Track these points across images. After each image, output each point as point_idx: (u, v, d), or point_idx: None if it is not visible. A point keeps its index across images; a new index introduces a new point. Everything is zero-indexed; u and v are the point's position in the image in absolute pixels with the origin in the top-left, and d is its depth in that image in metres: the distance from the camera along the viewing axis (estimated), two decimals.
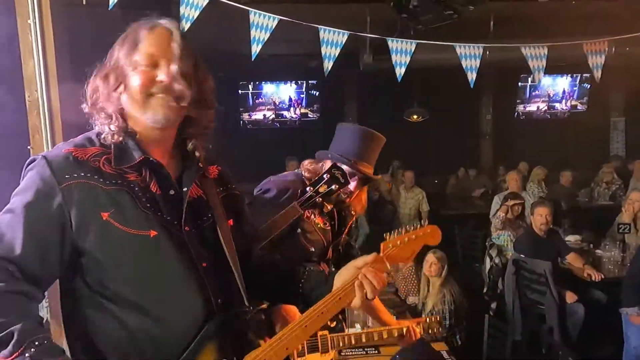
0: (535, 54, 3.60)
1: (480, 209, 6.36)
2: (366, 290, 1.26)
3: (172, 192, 1.25)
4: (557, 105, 8.65)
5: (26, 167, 1.21)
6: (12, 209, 1.15)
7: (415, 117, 8.84)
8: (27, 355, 1.01)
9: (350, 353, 3.03)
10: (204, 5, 2.85)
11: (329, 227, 2.33)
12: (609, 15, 4.55)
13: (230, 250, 1.31)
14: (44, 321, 2.01)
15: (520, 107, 8.62)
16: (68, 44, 2.41)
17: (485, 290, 5.03)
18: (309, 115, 8.15)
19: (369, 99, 7.26)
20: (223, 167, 1.45)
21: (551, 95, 8.59)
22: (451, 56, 3.59)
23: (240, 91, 7.81)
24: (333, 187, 2.01)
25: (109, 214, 1.15)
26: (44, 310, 2.03)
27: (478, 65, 3.50)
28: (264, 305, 1.97)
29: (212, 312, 1.24)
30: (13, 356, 1.01)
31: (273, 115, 8.06)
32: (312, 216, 2.24)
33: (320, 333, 2.24)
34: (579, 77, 8.42)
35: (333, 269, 2.35)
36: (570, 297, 4.17)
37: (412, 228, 1.35)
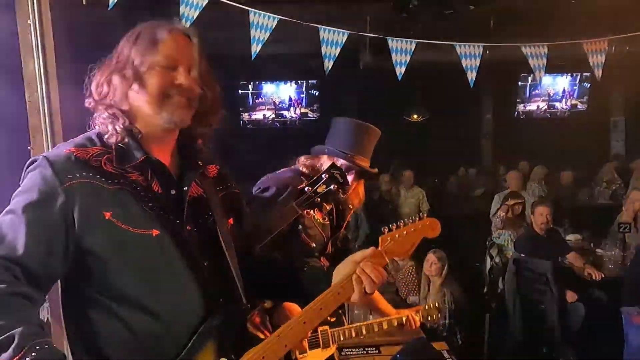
0: (535, 53, 3.60)
1: (480, 208, 6.35)
2: (364, 285, 1.26)
3: (173, 191, 1.26)
4: (557, 104, 8.65)
5: (27, 168, 1.21)
6: (14, 209, 1.15)
7: (415, 116, 8.84)
8: (27, 359, 1.01)
9: (351, 353, 3.03)
10: (203, 5, 2.85)
11: (328, 222, 2.33)
12: (610, 14, 4.56)
13: (229, 249, 1.31)
14: (45, 322, 2.01)
15: (520, 107, 8.62)
16: (68, 44, 2.40)
17: (485, 289, 5.03)
18: (309, 115, 8.15)
19: (369, 99, 7.26)
20: (222, 167, 1.45)
21: (551, 95, 8.59)
22: (451, 55, 3.59)
23: (240, 91, 7.81)
24: (332, 187, 2.01)
25: (112, 213, 1.16)
26: (44, 311, 2.04)
27: (478, 65, 3.49)
28: (266, 304, 1.97)
29: (214, 310, 1.25)
30: None
31: (273, 115, 8.06)
32: (312, 212, 2.24)
33: (320, 328, 2.24)
34: (579, 76, 8.41)
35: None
36: (570, 296, 4.17)
37: (410, 221, 1.33)
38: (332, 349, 2.33)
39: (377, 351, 3.11)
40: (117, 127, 1.21)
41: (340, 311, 2.35)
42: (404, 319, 2.42)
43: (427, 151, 8.01)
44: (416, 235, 1.33)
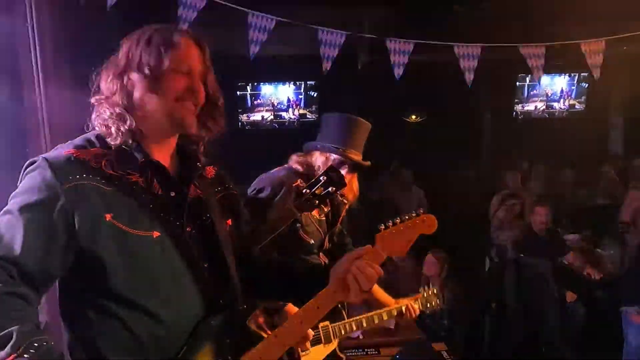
0: (533, 54, 3.60)
1: (479, 208, 6.35)
2: (360, 284, 1.25)
3: (172, 193, 1.26)
4: (555, 104, 8.64)
5: (25, 169, 1.21)
6: (11, 210, 1.14)
7: (413, 117, 8.84)
8: (25, 356, 1.01)
9: (351, 354, 3.03)
10: (201, 7, 2.85)
11: (324, 218, 2.34)
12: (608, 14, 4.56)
13: (228, 250, 1.31)
14: (44, 324, 2.00)
15: (519, 107, 8.62)
16: (66, 45, 2.40)
17: (485, 290, 5.03)
18: (308, 116, 8.14)
19: (367, 99, 7.24)
20: (219, 168, 1.45)
21: (549, 95, 8.59)
22: (450, 56, 3.59)
23: (238, 92, 7.81)
24: (330, 189, 2.01)
25: (112, 215, 1.16)
26: (42, 313, 2.03)
27: (476, 65, 3.50)
28: (269, 305, 1.97)
29: (214, 312, 1.25)
30: (10, 357, 1.01)
31: (272, 117, 8.05)
32: None
33: (321, 324, 2.24)
34: (577, 76, 8.42)
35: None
36: (570, 296, 4.17)
37: (406, 218, 1.32)
38: (334, 344, 2.34)
39: (376, 352, 3.12)
40: (122, 128, 1.20)
41: (339, 305, 2.36)
42: (403, 308, 2.42)
43: (426, 151, 8.00)
44: (413, 232, 1.32)
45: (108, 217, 1.15)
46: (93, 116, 1.26)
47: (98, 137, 1.25)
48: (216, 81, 1.32)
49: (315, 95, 8.05)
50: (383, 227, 1.31)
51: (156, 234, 1.19)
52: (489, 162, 8.86)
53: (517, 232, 4.92)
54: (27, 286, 1.11)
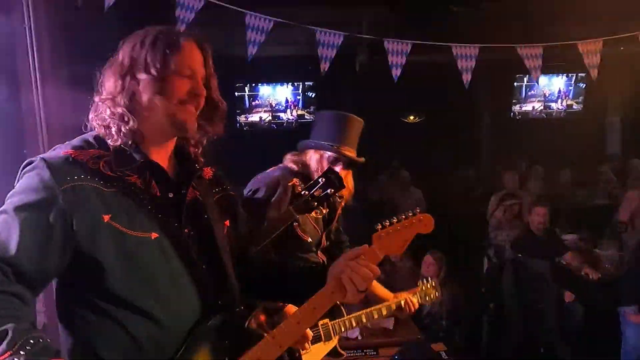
0: (531, 54, 3.61)
1: (478, 208, 6.35)
2: (356, 284, 1.25)
3: (171, 194, 1.26)
4: (552, 105, 8.65)
5: (23, 169, 1.20)
6: (7, 210, 1.14)
7: (412, 117, 8.85)
8: (22, 353, 1.01)
9: (350, 355, 3.03)
10: (199, 8, 2.85)
11: (320, 216, 2.34)
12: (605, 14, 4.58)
13: (225, 252, 1.31)
14: (42, 326, 2.00)
15: (516, 107, 8.63)
16: (64, 46, 2.40)
17: (483, 290, 5.04)
18: (306, 116, 8.14)
19: (365, 100, 7.25)
20: (217, 169, 1.45)
21: (547, 95, 8.60)
22: (448, 56, 3.60)
23: (236, 93, 7.80)
24: (328, 191, 2.02)
25: (110, 216, 1.16)
26: (40, 316, 2.03)
27: (473, 66, 3.50)
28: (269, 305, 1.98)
29: (212, 313, 1.25)
30: (7, 354, 1.01)
31: (270, 117, 8.05)
32: None
33: (320, 322, 2.24)
34: (574, 77, 8.43)
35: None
36: (568, 296, 4.17)
37: (403, 217, 1.32)
38: (335, 341, 2.34)
39: (374, 353, 3.12)
40: (122, 129, 1.20)
41: (338, 302, 2.36)
42: (402, 302, 2.42)
43: (424, 152, 8.01)
44: (409, 232, 1.32)
45: (106, 218, 1.15)
46: (91, 116, 1.26)
47: (96, 138, 1.25)
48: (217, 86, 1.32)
49: (313, 96, 8.05)
50: (380, 226, 1.31)
51: (154, 235, 1.19)
52: (487, 163, 8.86)
53: (515, 232, 4.92)
54: (22, 285, 1.11)
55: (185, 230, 1.25)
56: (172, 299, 1.20)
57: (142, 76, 1.20)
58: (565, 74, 8.39)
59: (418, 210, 1.34)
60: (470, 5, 5.30)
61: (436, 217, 1.37)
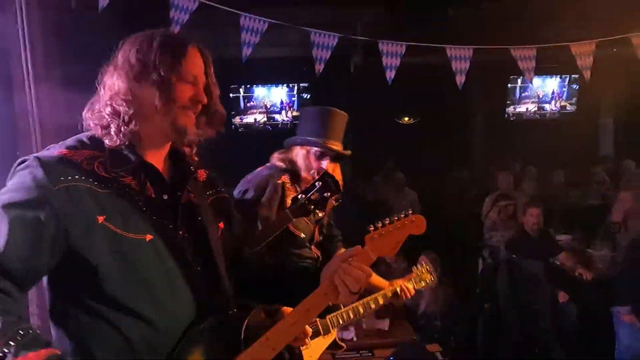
0: (524, 56, 3.63)
1: (472, 209, 6.38)
2: (348, 286, 1.25)
3: (165, 196, 1.26)
4: (546, 106, 8.70)
5: (16, 167, 1.19)
6: None
7: (406, 119, 8.87)
8: (11, 344, 1.00)
9: (345, 356, 3.03)
10: (193, 9, 2.85)
11: (317, 218, 2.35)
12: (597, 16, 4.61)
13: (219, 254, 1.31)
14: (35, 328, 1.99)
15: (510, 108, 8.67)
16: (57, 47, 2.39)
17: (478, 291, 5.05)
18: None
19: (360, 101, 7.26)
20: (212, 171, 1.45)
21: (540, 96, 8.65)
22: (442, 58, 3.61)
23: (231, 94, 7.79)
24: (325, 194, 2.03)
25: (105, 217, 1.15)
26: (33, 317, 2.01)
27: (468, 67, 3.52)
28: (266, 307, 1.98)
29: (206, 315, 1.25)
30: None
31: (265, 119, 8.04)
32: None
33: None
34: (567, 78, 8.48)
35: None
36: (562, 296, 4.19)
37: (395, 219, 1.32)
38: (334, 334, 2.36)
39: (370, 354, 3.12)
40: (122, 129, 1.19)
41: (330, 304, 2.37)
42: (398, 289, 2.43)
43: (419, 153, 8.03)
44: (402, 233, 1.33)
45: (100, 219, 1.14)
46: (87, 115, 1.25)
47: (90, 138, 1.24)
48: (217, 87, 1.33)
49: (308, 97, 8.05)
50: (372, 228, 1.31)
51: (149, 237, 1.19)
52: (482, 164, 8.89)
53: (509, 233, 4.94)
54: (10, 283, 1.10)
55: (180, 232, 1.25)
56: (167, 301, 1.20)
57: (147, 79, 1.19)
58: (558, 76, 8.44)
59: (410, 212, 1.34)
60: (470, 5, 5.32)
61: (431, 218, 1.37)
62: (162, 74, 1.19)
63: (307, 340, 2.19)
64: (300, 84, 7.93)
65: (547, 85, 8.61)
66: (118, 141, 1.20)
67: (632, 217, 4.65)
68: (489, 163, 8.17)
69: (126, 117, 1.19)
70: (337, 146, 2.31)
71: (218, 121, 1.34)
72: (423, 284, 2.52)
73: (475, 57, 3.55)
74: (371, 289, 2.43)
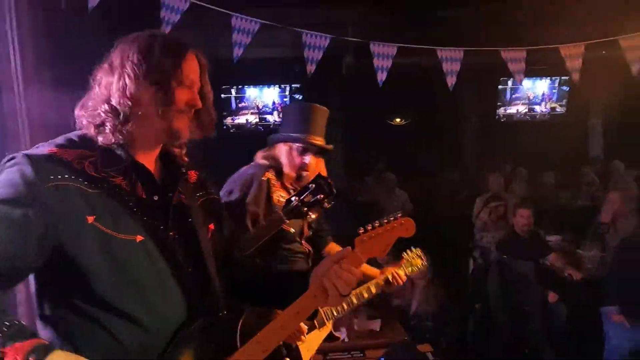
0: (514, 58, 3.65)
1: (463, 210, 6.42)
2: (338, 288, 1.26)
3: (156, 197, 1.25)
4: (536, 107, 8.77)
5: (4, 164, 1.16)
6: None
7: (398, 120, 8.90)
8: None
9: (336, 357, 3.03)
10: (184, 9, 2.84)
11: (311, 220, 2.36)
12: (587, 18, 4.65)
13: (210, 255, 1.31)
14: None
15: (501, 110, 8.72)
16: (47, 47, 2.37)
17: (469, 291, 5.07)
18: None
19: (352, 102, 7.28)
20: (201, 172, 1.45)
21: (531, 98, 8.71)
22: (434, 60, 3.63)
23: (222, 95, 7.77)
24: (318, 197, 2.04)
25: (95, 217, 1.14)
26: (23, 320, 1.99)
27: (459, 69, 3.54)
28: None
29: (196, 316, 1.24)
30: None
31: (257, 119, 8.03)
32: (282, 199, 2.31)
33: None
34: (557, 80, 8.55)
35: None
36: (552, 297, 4.22)
37: (385, 221, 1.34)
38: (329, 326, 2.37)
39: (361, 354, 3.12)
40: (119, 127, 1.18)
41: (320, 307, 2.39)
42: (389, 277, 2.44)
43: (410, 154, 8.06)
44: (391, 236, 1.34)
45: (90, 219, 1.13)
46: (79, 113, 1.23)
47: (81, 137, 1.23)
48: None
49: (300, 98, 8.05)
50: (362, 230, 1.32)
51: (140, 238, 1.18)
52: (473, 165, 8.94)
53: (500, 234, 4.97)
54: None
55: (171, 234, 1.24)
56: (157, 302, 1.19)
57: (147, 81, 1.19)
58: (549, 77, 8.50)
59: (400, 215, 1.35)
60: (461, 7, 5.35)
61: (422, 219, 1.38)
62: (163, 76, 1.19)
63: (302, 337, 2.21)
64: (292, 85, 7.92)
65: (538, 87, 8.68)
66: (113, 139, 1.19)
67: (621, 217, 4.70)
68: (480, 164, 8.22)
69: (124, 116, 1.18)
70: (319, 141, 2.34)
71: (209, 126, 1.34)
72: (414, 269, 2.53)
73: (466, 58, 3.57)
74: (363, 278, 2.44)
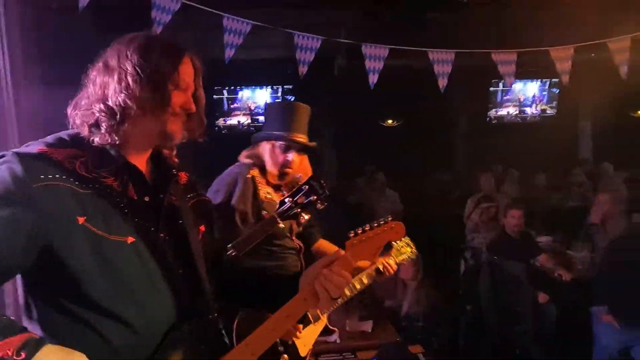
0: (504, 60, 3.68)
1: (455, 211, 6.45)
2: (329, 292, 1.26)
3: (146, 198, 1.24)
4: (527, 109, 8.84)
5: None
6: None
7: (390, 121, 8.93)
8: None
9: (328, 358, 3.03)
10: (176, 10, 2.83)
11: (304, 221, 2.37)
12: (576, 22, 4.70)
13: (200, 257, 1.31)
14: None
15: (492, 112, 8.78)
16: (36, 47, 2.35)
17: (460, 292, 5.09)
18: None
19: (344, 104, 7.30)
20: (191, 174, 1.45)
21: (522, 100, 8.78)
22: (426, 61, 3.64)
23: (214, 96, 7.75)
24: (312, 198, 2.05)
25: (86, 218, 1.12)
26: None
27: (450, 71, 3.56)
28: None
29: (186, 318, 1.24)
30: None
31: (249, 121, 8.01)
32: (269, 195, 2.33)
33: None
34: (548, 82, 8.62)
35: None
36: (542, 297, 4.25)
37: (375, 225, 1.35)
38: (324, 320, 2.38)
39: (353, 356, 3.12)
40: (115, 127, 1.17)
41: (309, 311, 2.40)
42: (380, 267, 2.44)
43: (402, 155, 8.08)
44: (381, 239, 1.35)
45: (81, 220, 1.12)
46: (72, 112, 1.22)
47: (72, 136, 1.22)
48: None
49: (292, 99, 8.05)
50: (353, 234, 1.33)
51: (131, 239, 1.17)
52: (464, 166, 8.99)
53: (491, 235, 5.00)
54: None
55: (162, 235, 1.24)
56: (148, 304, 1.19)
57: (145, 82, 1.18)
58: (539, 80, 8.58)
59: (390, 218, 1.37)
60: (452, 10, 5.37)
61: (414, 220, 1.39)
62: (160, 78, 1.19)
63: (297, 333, 2.22)
64: (284, 86, 7.92)
65: (528, 89, 8.75)
66: (109, 140, 1.18)
67: (610, 219, 4.74)
68: (472, 166, 8.26)
69: (120, 116, 1.17)
70: (302, 138, 2.36)
71: (200, 130, 1.34)
72: (404, 257, 2.53)
73: (458, 60, 3.59)
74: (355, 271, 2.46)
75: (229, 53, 3.12)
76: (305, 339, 2.28)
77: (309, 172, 2.47)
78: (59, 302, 1.15)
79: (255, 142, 2.43)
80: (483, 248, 5.02)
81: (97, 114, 1.18)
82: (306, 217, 2.34)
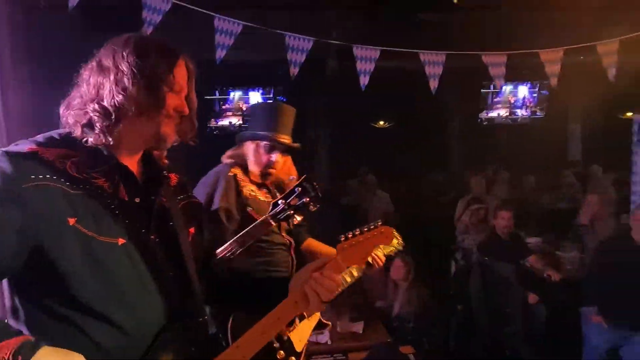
0: (495, 62, 3.70)
1: (446, 212, 6.48)
2: (320, 295, 1.27)
3: (137, 199, 1.23)
4: (518, 111, 8.91)
5: None
6: None
7: (381, 123, 8.97)
8: None
9: (319, 359, 3.03)
10: (167, 10, 2.82)
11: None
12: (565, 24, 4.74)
13: (190, 259, 1.30)
14: None
15: (483, 113, 8.84)
16: (25, 47, 2.33)
17: (451, 293, 5.11)
18: None
19: (336, 105, 7.31)
20: (181, 175, 1.44)
21: (512, 102, 8.85)
22: (417, 63, 3.66)
23: (206, 97, 7.73)
24: (304, 200, 2.06)
25: (76, 219, 1.11)
26: None
27: (441, 72, 3.57)
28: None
29: (176, 320, 1.23)
30: None
31: (240, 122, 8.00)
32: (253, 193, 2.35)
33: None
34: (538, 85, 8.70)
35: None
36: (532, 298, 4.28)
37: (365, 229, 1.36)
38: (318, 315, 2.38)
39: (344, 357, 3.12)
40: (110, 128, 1.16)
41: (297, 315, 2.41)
42: (369, 259, 2.45)
43: (393, 157, 8.12)
44: (371, 244, 1.36)
45: (72, 221, 1.11)
46: (65, 112, 1.20)
47: (63, 136, 1.20)
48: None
49: (284, 100, 8.05)
50: (343, 238, 1.34)
51: (121, 240, 1.16)
52: (456, 167, 9.04)
53: (482, 236, 5.02)
54: None
55: (152, 237, 1.23)
56: (138, 306, 1.18)
57: (140, 84, 1.17)
58: (529, 82, 8.65)
59: (380, 223, 1.38)
60: (443, 12, 5.41)
61: (406, 221, 1.40)
62: (156, 80, 1.18)
63: (287, 333, 2.22)
64: (276, 87, 7.92)
65: (519, 91, 8.82)
66: (104, 140, 1.17)
67: (600, 220, 4.80)
68: (462, 167, 8.31)
69: (115, 117, 1.16)
70: (286, 139, 2.37)
71: (192, 133, 1.34)
72: (391, 248, 2.54)
73: (449, 62, 3.61)
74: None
75: (220, 54, 3.11)
76: (300, 334, 2.29)
77: (293, 173, 2.49)
78: (48, 304, 1.13)
79: (239, 142, 2.44)
80: (473, 249, 5.05)
81: (91, 114, 1.16)
82: (299, 218, 2.35)
